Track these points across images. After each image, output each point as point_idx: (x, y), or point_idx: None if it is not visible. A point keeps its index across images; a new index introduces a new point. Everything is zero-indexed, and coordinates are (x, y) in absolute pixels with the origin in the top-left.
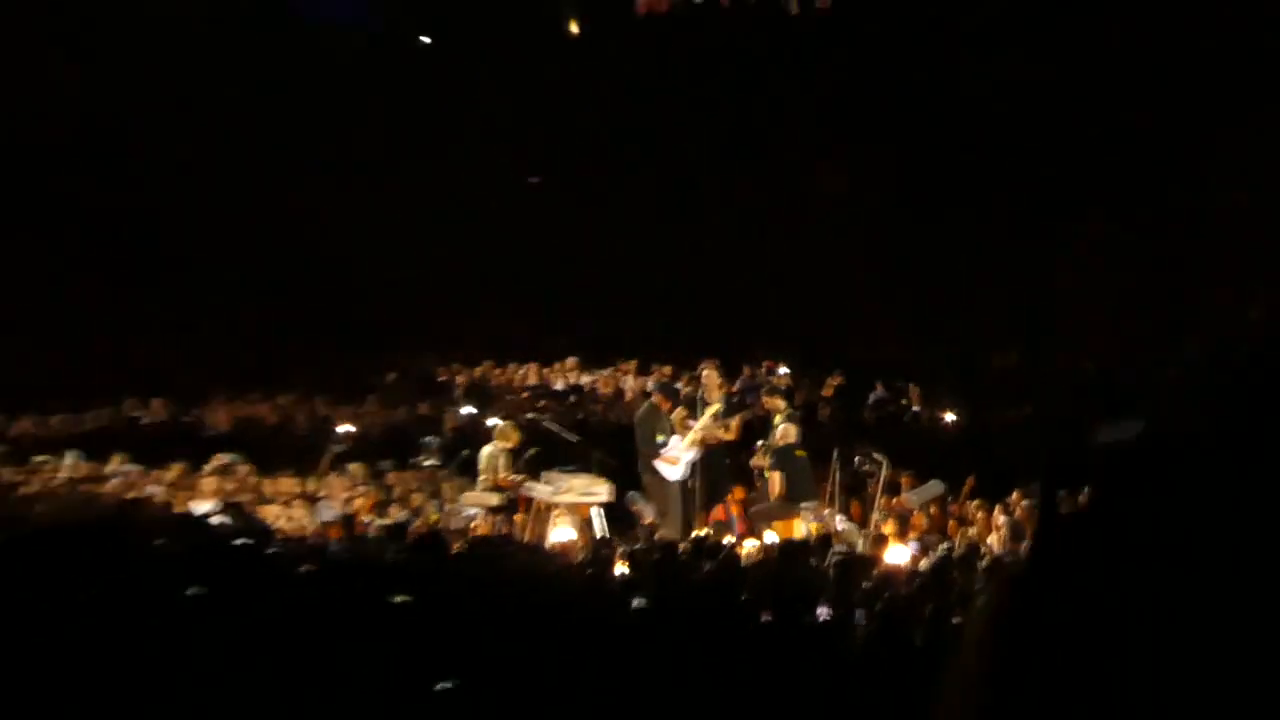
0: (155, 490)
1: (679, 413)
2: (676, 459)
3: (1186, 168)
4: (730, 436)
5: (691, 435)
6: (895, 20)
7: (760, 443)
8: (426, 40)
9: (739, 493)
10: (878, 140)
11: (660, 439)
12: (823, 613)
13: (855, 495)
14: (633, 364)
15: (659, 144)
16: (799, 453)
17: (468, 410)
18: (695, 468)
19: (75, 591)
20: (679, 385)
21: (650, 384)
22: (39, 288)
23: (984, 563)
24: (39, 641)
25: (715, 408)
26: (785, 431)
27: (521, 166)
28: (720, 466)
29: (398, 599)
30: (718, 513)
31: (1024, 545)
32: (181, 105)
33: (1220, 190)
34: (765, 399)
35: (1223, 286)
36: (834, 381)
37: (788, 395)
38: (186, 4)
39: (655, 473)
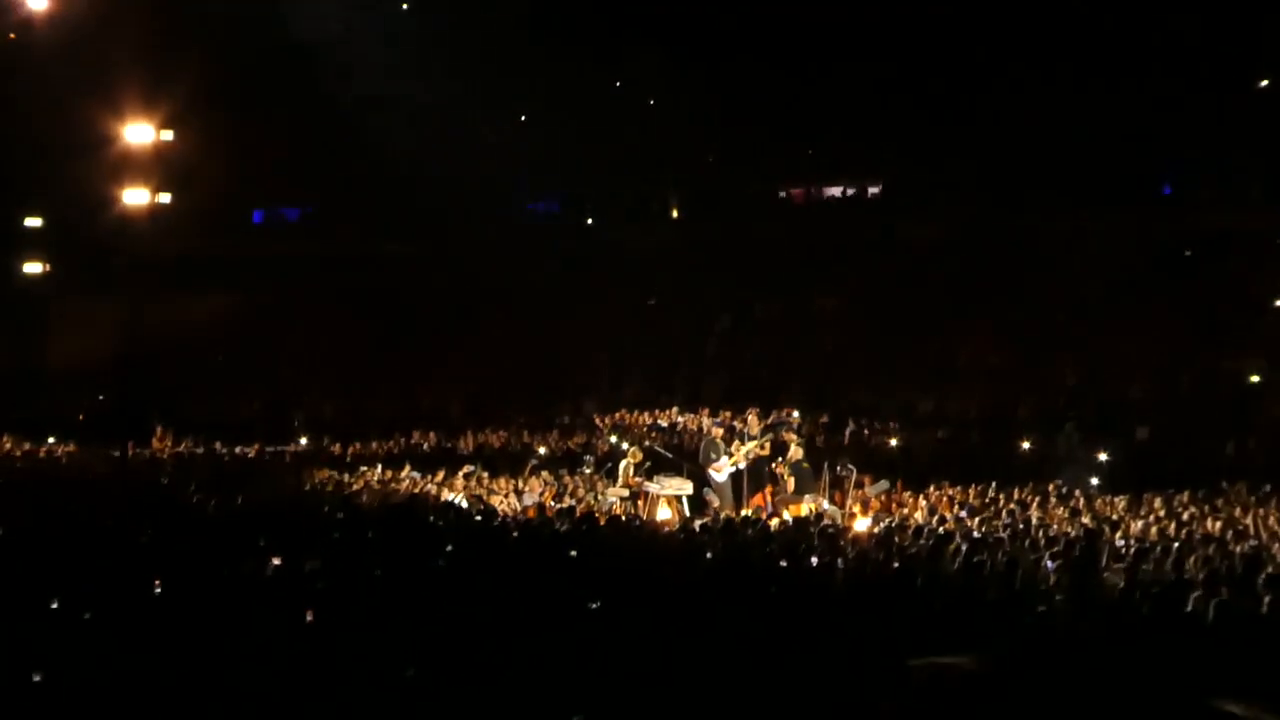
0: (429, 488)
1: (736, 444)
2: (722, 468)
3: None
4: (764, 453)
5: (735, 456)
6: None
7: (780, 459)
8: None
9: (769, 489)
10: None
11: (714, 456)
12: (814, 560)
13: (837, 490)
14: (705, 410)
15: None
16: (805, 465)
17: (612, 438)
18: (742, 473)
19: (381, 546)
20: (735, 424)
21: (710, 423)
22: (357, 353)
23: (912, 528)
24: (364, 579)
25: (751, 444)
26: (795, 452)
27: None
28: (759, 473)
29: (569, 552)
30: (757, 500)
31: (936, 517)
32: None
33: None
34: (784, 433)
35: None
36: (824, 420)
37: (798, 430)
38: None
39: (713, 476)
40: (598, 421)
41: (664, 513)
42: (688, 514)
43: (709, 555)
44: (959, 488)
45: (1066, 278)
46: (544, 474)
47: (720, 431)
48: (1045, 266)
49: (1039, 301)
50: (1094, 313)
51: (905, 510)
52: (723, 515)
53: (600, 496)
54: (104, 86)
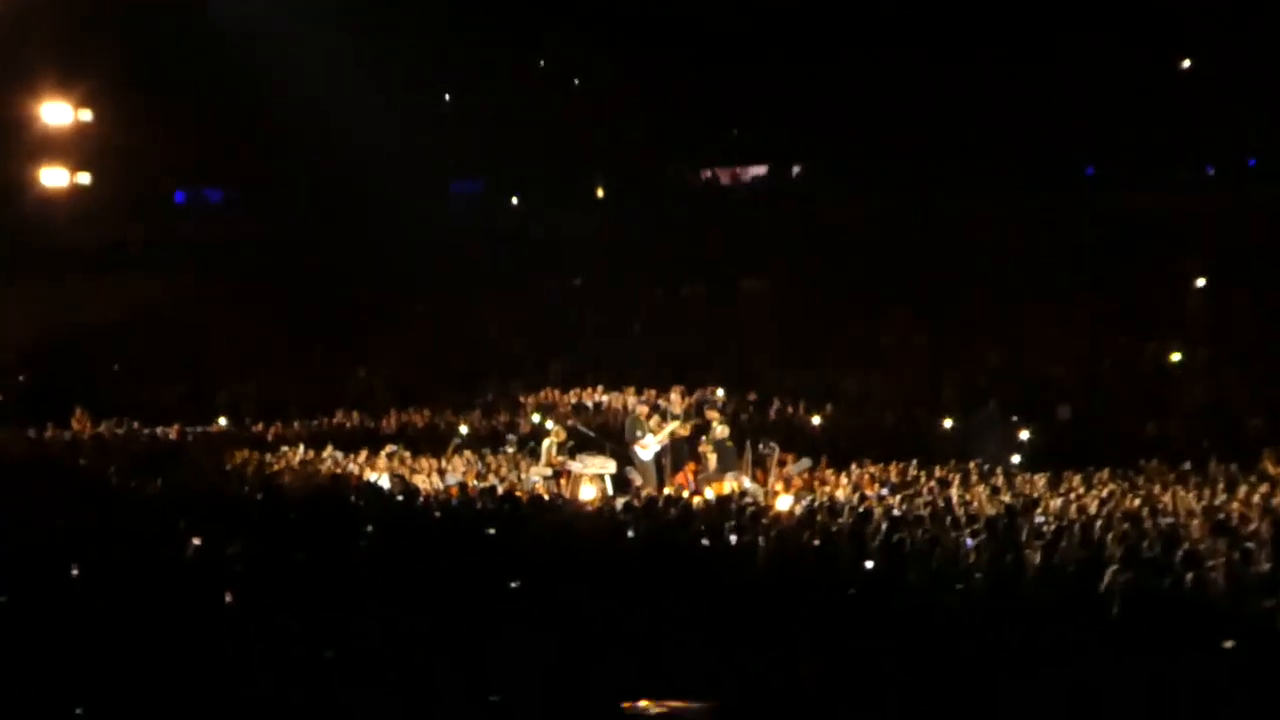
0: (352, 468)
1: (655, 421)
2: (647, 446)
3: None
4: (686, 432)
5: (659, 435)
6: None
7: (704, 437)
8: None
9: (692, 467)
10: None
11: (638, 434)
12: (734, 539)
13: (760, 468)
14: (630, 389)
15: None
16: (728, 443)
17: (535, 417)
18: (665, 451)
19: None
20: (659, 403)
21: (634, 402)
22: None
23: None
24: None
25: (674, 423)
26: (719, 431)
27: (569, 271)
28: (682, 451)
29: (489, 531)
30: (680, 479)
31: (857, 495)
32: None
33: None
34: (708, 412)
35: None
36: (750, 399)
37: (722, 409)
38: None
39: (637, 454)
40: (522, 401)
41: (587, 491)
42: (611, 493)
43: (631, 534)
44: (881, 465)
45: (990, 259)
46: (467, 453)
47: (644, 410)
48: (969, 248)
49: (962, 283)
50: (1017, 294)
51: (828, 489)
52: (645, 494)
53: (523, 476)
54: (20, 65)
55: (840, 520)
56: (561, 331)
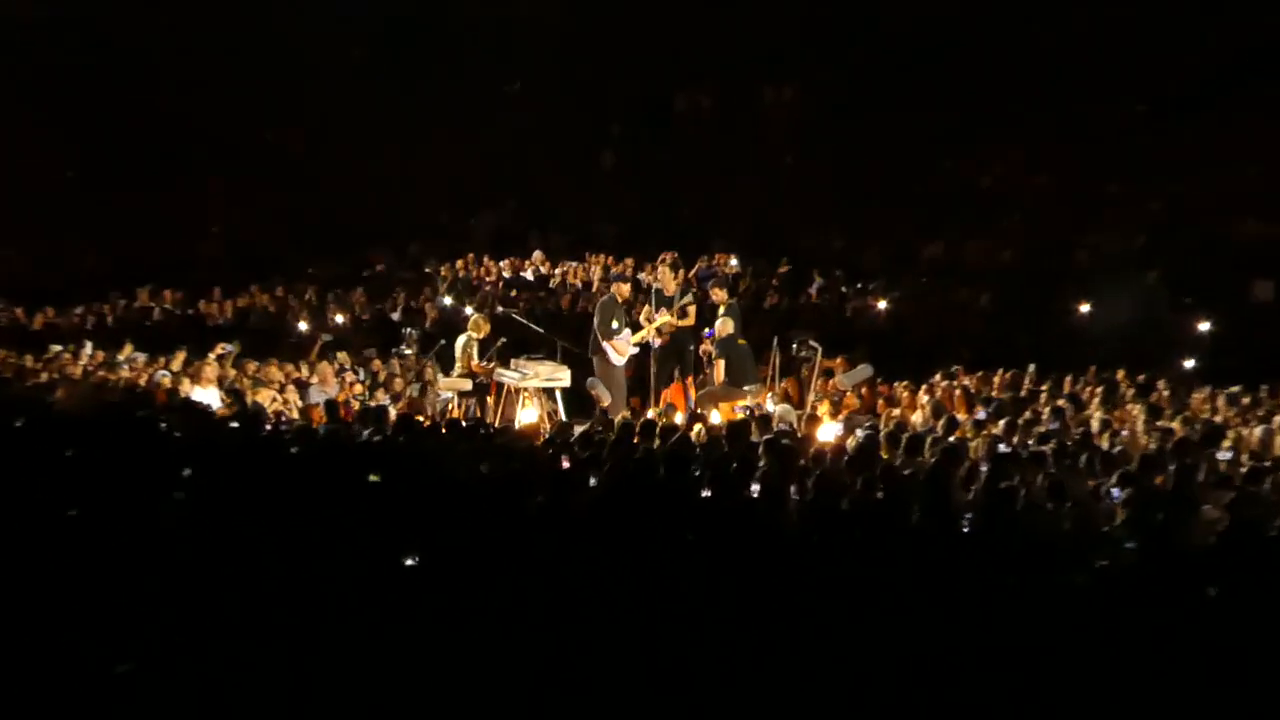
0: (162, 378)
1: (645, 308)
2: (623, 347)
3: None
4: (688, 322)
5: (642, 332)
6: None
7: (708, 332)
8: None
9: (688, 380)
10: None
11: (615, 325)
12: (756, 489)
13: (792, 378)
14: (600, 257)
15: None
16: (740, 341)
17: (446, 300)
18: (649, 353)
19: (87, 472)
20: (640, 278)
21: (603, 276)
22: (60, 189)
23: (907, 437)
24: (53, 519)
25: (664, 317)
26: (723, 324)
27: (504, 72)
28: (676, 353)
29: (371, 478)
30: (671, 395)
31: (943, 421)
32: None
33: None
34: (711, 290)
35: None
36: (782, 270)
37: (734, 288)
38: None
39: (604, 356)
40: (429, 273)
41: (527, 414)
42: (563, 417)
43: (593, 482)
44: (978, 375)
45: (1152, 59)
46: (341, 356)
47: (620, 290)
48: (1115, 40)
49: (1104, 94)
50: (1193, 105)
51: (896, 411)
52: (618, 419)
53: (429, 390)
54: None
55: (916, 459)
56: (491, 167)
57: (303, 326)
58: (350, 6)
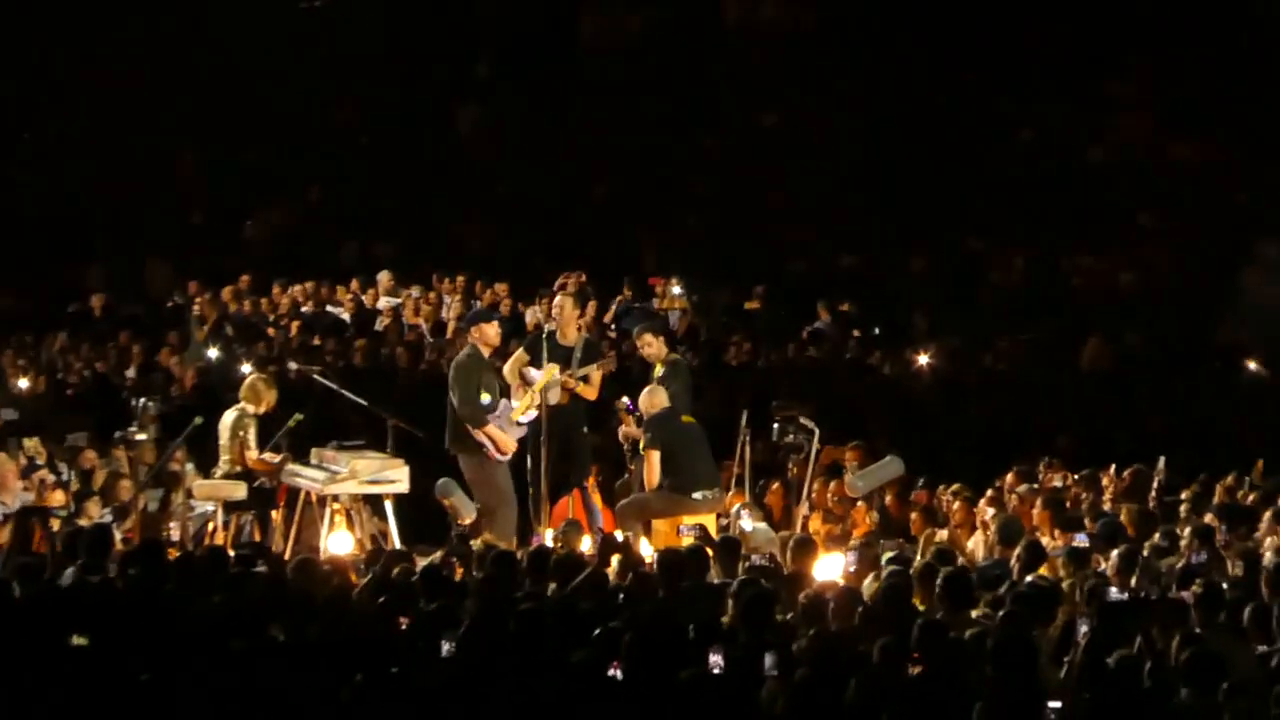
0: None
1: (518, 357)
2: (508, 437)
3: None
4: (591, 394)
5: (530, 394)
6: None
7: (628, 404)
8: None
9: (592, 476)
10: None
11: (486, 398)
12: (716, 661)
13: (775, 479)
14: (459, 281)
15: None
16: (685, 418)
17: (207, 353)
18: (537, 441)
19: None
20: (526, 312)
21: (461, 305)
22: None
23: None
24: None
25: (552, 374)
26: (653, 394)
27: None
28: (574, 438)
29: (76, 641)
30: (567, 508)
31: (1018, 551)
32: None
33: None
34: (639, 338)
35: None
36: (751, 305)
37: (671, 333)
38: None
39: (475, 449)
40: (176, 306)
41: (337, 540)
42: (397, 543)
43: (446, 650)
44: (1076, 475)
45: None
46: (30, 444)
47: (491, 334)
48: None
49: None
50: None
51: (941, 533)
52: (481, 544)
53: (175, 498)
54: None
55: (974, 613)
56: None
57: None
58: None
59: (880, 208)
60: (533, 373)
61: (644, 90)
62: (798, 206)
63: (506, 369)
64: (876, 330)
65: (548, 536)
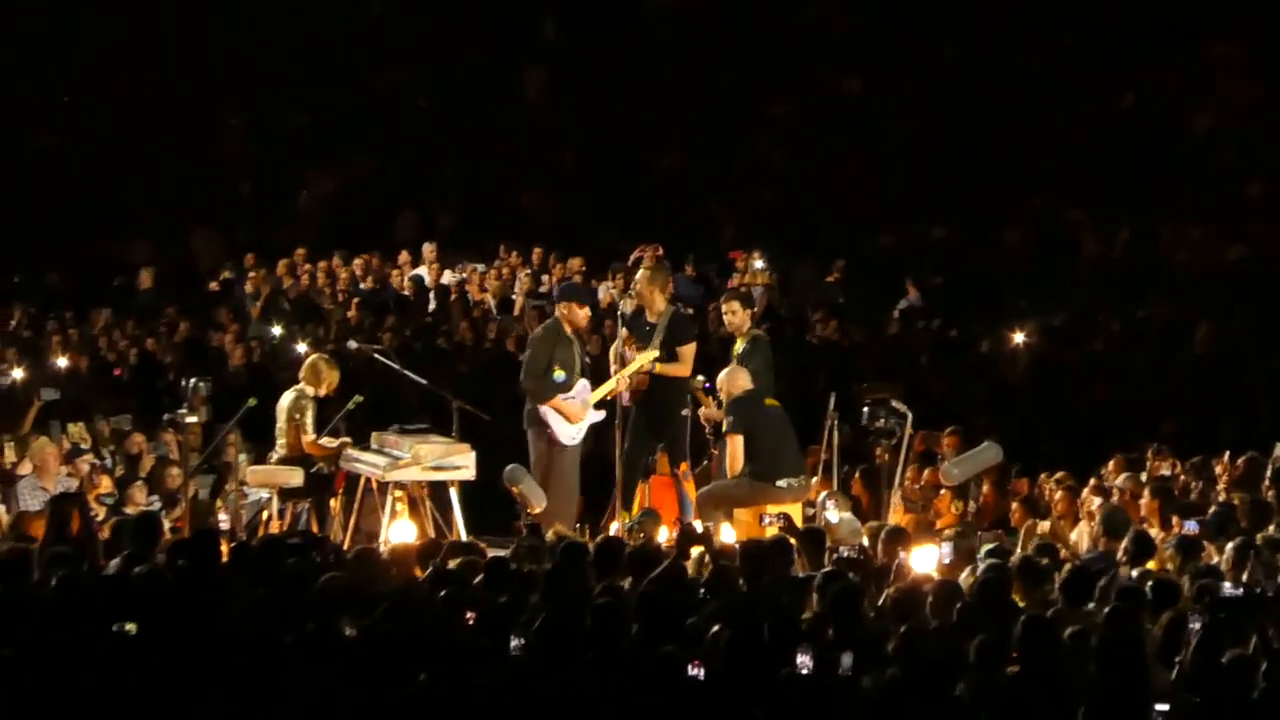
0: None
1: (623, 336)
2: (576, 410)
3: None
4: (680, 370)
5: (608, 384)
6: None
7: (705, 384)
8: None
9: (683, 465)
10: None
11: (560, 375)
12: (804, 661)
13: (864, 465)
14: (534, 254)
15: None
16: (769, 402)
17: (270, 331)
18: (616, 421)
19: None
20: (599, 288)
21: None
22: None
23: (1065, 572)
24: None
25: (643, 358)
26: (735, 374)
27: None
28: (659, 419)
29: (126, 627)
30: (651, 494)
31: (1125, 543)
32: None
33: None
34: (726, 304)
35: None
36: (830, 279)
37: (756, 305)
38: None
39: (543, 430)
40: (227, 282)
41: (399, 529)
42: (463, 534)
43: (516, 645)
44: (1188, 463)
45: None
46: (75, 429)
47: (579, 316)
48: None
49: None
50: None
51: (1043, 524)
52: (552, 534)
53: (229, 485)
54: None
55: (1078, 609)
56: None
57: (17, 375)
58: None
59: (972, 177)
60: (629, 354)
61: (715, 53)
62: (883, 176)
63: (612, 350)
64: (969, 308)
65: (612, 528)
